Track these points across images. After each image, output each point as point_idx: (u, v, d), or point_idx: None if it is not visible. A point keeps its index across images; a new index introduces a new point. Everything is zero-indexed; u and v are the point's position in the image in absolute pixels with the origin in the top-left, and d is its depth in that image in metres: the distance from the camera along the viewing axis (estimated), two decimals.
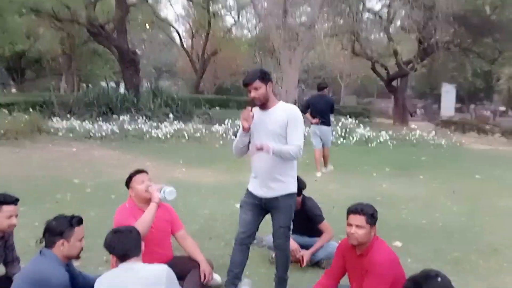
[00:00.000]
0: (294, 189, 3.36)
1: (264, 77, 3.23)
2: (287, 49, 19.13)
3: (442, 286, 2.23)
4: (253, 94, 3.22)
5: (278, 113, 3.26)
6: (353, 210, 3.02)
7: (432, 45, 17.47)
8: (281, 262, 3.53)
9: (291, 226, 3.57)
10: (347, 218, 3.05)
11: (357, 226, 2.97)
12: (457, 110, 35.38)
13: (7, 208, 3.10)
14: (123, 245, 2.56)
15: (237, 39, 30.90)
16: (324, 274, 3.38)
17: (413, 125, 17.72)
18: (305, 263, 4.10)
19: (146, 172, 3.60)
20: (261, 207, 3.38)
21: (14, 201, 3.16)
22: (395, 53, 19.56)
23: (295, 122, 3.23)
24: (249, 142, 3.36)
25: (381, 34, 24.07)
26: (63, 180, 7.61)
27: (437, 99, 36.17)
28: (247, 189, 3.46)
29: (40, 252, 2.70)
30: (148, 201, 3.52)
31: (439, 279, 2.25)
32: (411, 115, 32.69)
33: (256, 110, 3.31)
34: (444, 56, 20.55)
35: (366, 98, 45.66)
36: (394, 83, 25.29)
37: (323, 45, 19.22)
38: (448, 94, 30.22)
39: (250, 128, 3.21)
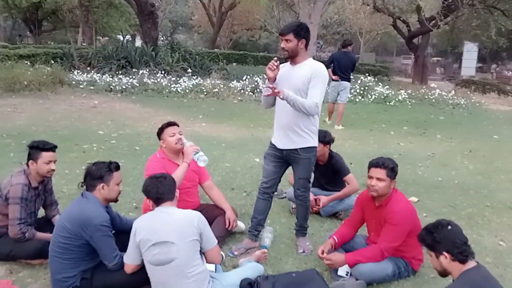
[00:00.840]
0: (314, 143, 3.47)
1: (299, 32, 3.27)
2: (307, 3, 18.72)
3: (452, 234, 2.36)
4: (283, 44, 3.30)
5: (304, 69, 3.31)
6: (375, 163, 3.16)
7: (456, 1, 16.91)
8: (301, 212, 3.71)
9: (311, 179, 3.72)
10: (368, 171, 3.19)
11: (378, 178, 3.12)
12: (478, 69, 34.64)
13: (46, 154, 3.30)
14: (158, 189, 2.73)
15: None
16: (343, 224, 3.57)
17: (432, 84, 17.48)
18: (321, 205, 4.26)
19: (177, 125, 3.73)
20: (283, 158, 3.52)
21: (52, 147, 3.36)
22: (418, 9, 19.00)
23: (318, 80, 3.27)
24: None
25: None
26: (88, 131, 7.85)
27: (458, 57, 35.35)
28: (270, 142, 3.59)
29: (82, 194, 2.90)
30: (178, 152, 3.70)
31: (449, 227, 2.39)
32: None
33: (286, 64, 3.40)
34: (468, 13, 19.92)
35: (385, 56, 44.89)
36: (415, 40, 24.73)
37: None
38: (470, 53, 29.46)
39: (275, 78, 3.28)
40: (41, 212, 3.61)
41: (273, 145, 3.54)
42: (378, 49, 45.48)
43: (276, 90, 3.14)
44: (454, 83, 23.64)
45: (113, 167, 2.92)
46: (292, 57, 3.34)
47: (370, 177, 3.16)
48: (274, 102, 3.52)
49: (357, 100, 13.40)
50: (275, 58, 3.33)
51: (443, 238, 2.34)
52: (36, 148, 3.29)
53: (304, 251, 3.61)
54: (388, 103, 13.48)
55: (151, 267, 2.63)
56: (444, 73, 36.08)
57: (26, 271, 3.17)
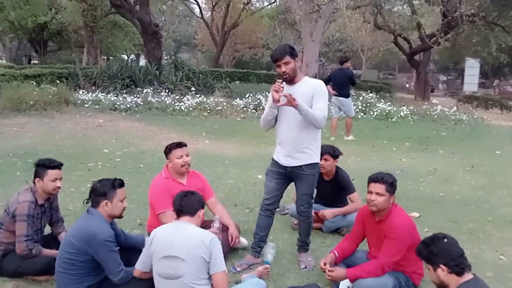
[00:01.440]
0: (317, 159, 3.55)
1: (293, 52, 3.37)
2: (308, 21, 18.97)
3: (448, 246, 2.43)
4: (283, 69, 3.36)
5: (304, 87, 3.41)
6: (374, 178, 3.22)
7: (456, 18, 17.10)
8: (303, 228, 3.76)
9: (314, 195, 3.78)
10: (368, 186, 3.25)
11: (377, 193, 3.18)
12: (481, 85, 34.70)
13: (52, 172, 3.39)
14: (181, 201, 2.80)
15: (257, 11, 30.54)
16: (344, 239, 3.63)
17: (434, 100, 17.57)
18: (327, 217, 4.29)
19: (185, 145, 3.82)
20: (286, 175, 3.58)
21: (58, 165, 3.45)
22: (419, 26, 19.22)
23: (320, 95, 3.40)
24: (277, 116, 3.55)
25: (404, 6, 23.64)
26: (93, 149, 7.96)
27: (461, 74, 35.50)
28: (273, 158, 3.65)
29: (88, 211, 2.97)
30: (183, 173, 3.78)
31: (445, 240, 2.46)
32: (432, 91, 32.27)
33: (283, 85, 3.49)
34: (468, 29, 20.14)
35: (387, 72, 45.13)
36: (416, 57, 24.94)
37: (345, 17, 18.98)
38: (472, 69, 29.57)
39: (279, 100, 3.35)
40: (47, 229, 3.68)
41: (276, 161, 3.60)
42: (380, 66, 45.81)
43: (292, 97, 3.21)
44: (456, 99, 23.74)
45: (117, 184, 2.99)
46: (292, 78, 3.42)
47: (370, 192, 3.22)
48: (274, 123, 3.58)
49: (359, 116, 13.49)
50: (280, 80, 3.37)
51: (440, 251, 2.40)
52: (43, 166, 3.38)
53: (306, 267, 3.65)
54: (390, 120, 13.58)
55: (158, 279, 2.69)
56: (447, 89, 36.25)
57: (33, 287, 3.22)
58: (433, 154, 8.81)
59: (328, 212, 4.32)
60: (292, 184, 3.66)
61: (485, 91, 30.07)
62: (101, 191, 2.96)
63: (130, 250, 3.23)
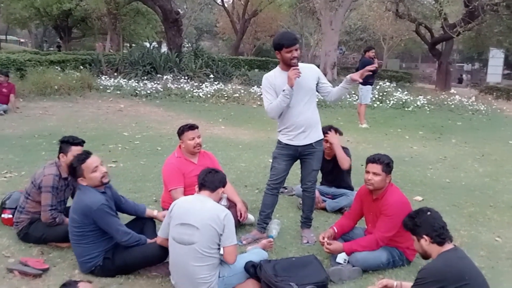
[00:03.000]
0: (322, 135, 3.89)
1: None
2: (328, 10, 18.96)
3: (431, 219, 2.63)
4: (296, 54, 3.58)
5: (307, 72, 3.69)
6: (371, 159, 3.44)
7: (478, 7, 16.88)
8: (308, 203, 4.02)
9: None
10: (366, 167, 3.47)
11: (374, 173, 3.39)
12: (506, 76, 34.06)
13: (75, 148, 3.69)
14: (205, 176, 3.06)
15: None
16: (343, 216, 3.86)
17: (452, 90, 17.45)
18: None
19: (197, 127, 4.07)
20: (295, 156, 3.83)
21: (80, 142, 3.76)
22: (441, 15, 19.03)
23: (321, 74, 3.83)
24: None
25: None
26: (114, 132, 8.31)
27: (485, 64, 34.85)
28: (281, 142, 3.85)
29: (79, 188, 3.27)
30: (195, 153, 4.05)
31: (429, 213, 2.67)
32: (460, 81, 31.80)
33: (282, 71, 3.68)
34: (491, 19, 19.80)
35: (411, 62, 44.55)
36: (438, 46, 24.64)
37: (365, 6, 18.94)
38: (495, 59, 29.13)
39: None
40: (70, 202, 3.99)
41: (286, 144, 3.80)
42: (403, 55, 45.23)
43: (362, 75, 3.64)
44: (478, 89, 23.43)
45: (81, 159, 3.19)
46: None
47: (367, 172, 3.44)
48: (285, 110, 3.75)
49: (375, 105, 13.56)
50: (297, 67, 3.57)
51: (423, 223, 2.61)
52: (67, 143, 3.68)
53: (308, 242, 3.90)
54: (406, 109, 13.61)
55: (173, 243, 2.94)
56: (471, 80, 35.64)
57: (56, 252, 3.54)
58: (446, 142, 8.90)
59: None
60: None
61: (510, 82, 29.54)
62: (72, 171, 3.21)
63: (141, 219, 3.51)
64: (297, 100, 3.66)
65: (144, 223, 3.45)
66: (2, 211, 4.02)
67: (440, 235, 2.55)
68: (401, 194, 3.48)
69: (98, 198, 3.14)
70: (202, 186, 3.06)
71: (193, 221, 2.88)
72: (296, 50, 3.57)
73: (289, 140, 3.78)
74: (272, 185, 3.91)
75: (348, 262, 3.39)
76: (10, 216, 3.89)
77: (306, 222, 4.06)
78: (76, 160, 3.20)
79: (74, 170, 3.18)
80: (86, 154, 3.24)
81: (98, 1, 23.32)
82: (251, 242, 3.86)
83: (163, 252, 3.09)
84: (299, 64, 3.64)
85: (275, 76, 3.71)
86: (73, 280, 2.61)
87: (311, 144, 3.76)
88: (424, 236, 2.59)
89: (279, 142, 3.87)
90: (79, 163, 3.17)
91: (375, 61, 9.73)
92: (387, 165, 3.41)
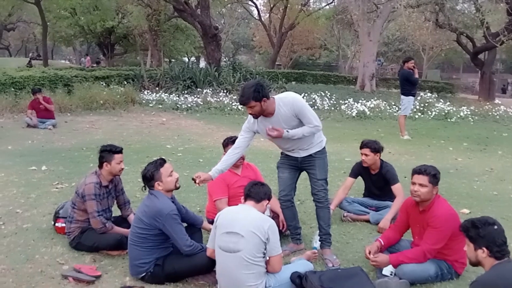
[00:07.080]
0: (324, 145, 3.73)
1: (257, 95, 3.33)
2: (366, 21, 18.88)
3: (496, 233, 2.54)
4: (249, 111, 3.45)
5: (282, 113, 3.45)
6: (417, 170, 3.40)
7: None
8: (323, 216, 3.81)
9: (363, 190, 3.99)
10: (412, 178, 3.43)
11: (420, 184, 3.35)
12: None
13: (118, 156, 3.87)
14: (251, 188, 3.17)
15: (314, 12, 30.61)
16: (389, 228, 3.81)
17: (496, 101, 16.89)
18: (384, 227, 4.26)
19: None
20: (297, 166, 3.81)
21: (121, 150, 3.94)
22: (482, 24, 18.56)
23: (301, 110, 3.44)
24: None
25: (467, 4, 22.84)
26: (157, 145, 8.55)
27: None
28: (282, 152, 3.87)
29: (149, 193, 3.38)
30: (238, 165, 4.12)
31: (495, 227, 2.57)
32: (504, 91, 30.70)
33: (263, 119, 3.54)
34: None
35: (451, 72, 43.48)
36: (480, 56, 23.98)
37: (404, 17, 18.69)
38: None
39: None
40: (118, 212, 4.15)
41: (286, 155, 3.81)
42: (443, 66, 44.25)
43: (276, 132, 3.39)
44: None
45: (158, 164, 3.34)
46: (264, 115, 3.48)
47: (413, 183, 3.40)
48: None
49: (416, 116, 13.31)
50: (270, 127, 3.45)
51: (487, 235, 2.53)
52: (109, 152, 3.85)
53: (333, 266, 3.68)
54: (449, 120, 13.29)
55: (219, 252, 3.01)
56: None
57: (107, 260, 3.67)
58: (491, 154, 8.63)
59: (384, 222, 4.35)
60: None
61: None
62: (148, 176, 3.34)
63: (191, 227, 3.61)
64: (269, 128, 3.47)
65: (192, 232, 3.54)
66: (56, 220, 4.21)
67: (501, 251, 2.49)
68: (449, 205, 3.42)
69: (170, 204, 3.28)
70: (248, 197, 3.15)
71: (238, 229, 2.94)
72: (250, 107, 3.37)
73: (288, 152, 3.78)
74: (282, 197, 3.91)
75: (395, 274, 3.35)
76: (64, 225, 4.07)
77: (326, 239, 3.83)
78: (153, 165, 3.34)
79: (152, 175, 3.31)
80: (162, 159, 3.40)
81: (140, 19, 24.15)
82: (288, 255, 3.85)
83: (210, 262, 3.16)
84: (277, 100, 3.46)
85: (255, 121, 3.59)
86: (128, 286, 2.71)
87: (310, 155, 3.69)
88: (484, 248, 2.52)
89: (281, 153, 3.90)
90: (158, 167, 3.32)
91: (415, 71, 9.61)
92: (434, 176, 3.36)
